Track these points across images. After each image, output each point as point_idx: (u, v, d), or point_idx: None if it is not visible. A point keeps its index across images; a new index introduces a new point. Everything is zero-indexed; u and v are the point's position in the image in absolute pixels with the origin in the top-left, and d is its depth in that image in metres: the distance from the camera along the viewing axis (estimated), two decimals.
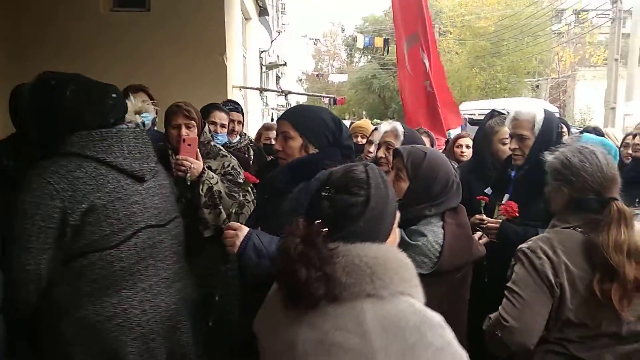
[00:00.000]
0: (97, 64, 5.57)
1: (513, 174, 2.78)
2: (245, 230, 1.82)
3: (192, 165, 2.74)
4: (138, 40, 5.83)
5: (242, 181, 3.01)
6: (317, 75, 41.39)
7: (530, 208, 2.50)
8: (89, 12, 5.92)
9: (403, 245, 1.85)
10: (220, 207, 2.69)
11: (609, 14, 19.02)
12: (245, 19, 9.33)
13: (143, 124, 2.68)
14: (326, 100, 19.02)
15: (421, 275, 1.70)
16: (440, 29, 31.30)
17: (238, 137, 4.20)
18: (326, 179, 1.27)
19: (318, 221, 1.16)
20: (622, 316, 1.71)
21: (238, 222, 2.01)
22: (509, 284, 1.82)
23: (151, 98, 3.62)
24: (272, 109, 16.39)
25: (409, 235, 1.95)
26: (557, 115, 13.90)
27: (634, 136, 3.93)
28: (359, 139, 4.45)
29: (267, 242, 1.80)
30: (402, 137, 2.83)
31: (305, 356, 1.12)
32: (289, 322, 1.16)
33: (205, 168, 2.81)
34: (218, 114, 3.66)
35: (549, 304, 1.77)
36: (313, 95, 25.23)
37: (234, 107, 4.41)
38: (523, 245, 1.87)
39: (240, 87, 7.14)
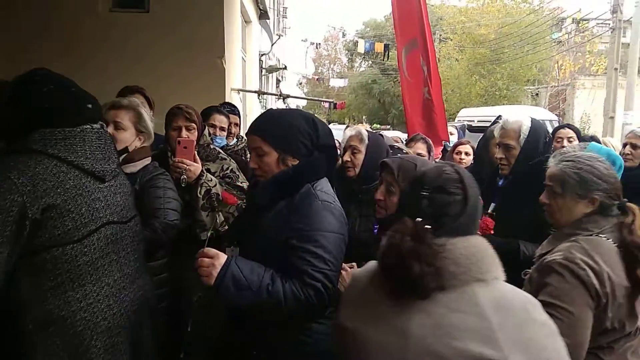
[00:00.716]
0: (96, 64, 5.58)
1: (501, 182, 2.78)
2: (222, 258, 1.71)
3: (188, 168, 2.73)
4: (136, 41, 5.82)
5: (240, 184, 3.00)
6: (318, 79, 41.45)
7: (514, 217, 2.52)
8: (87, 12, 5.92)
9: None
10: (218, 210, 2.65)
11: (609, 24, 19.08)
12: (246, 21, 9.33)
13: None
14: (326, 105, 19.02)
15: None
16: (440, 35, 31.41)
17: (235, 139, 4.19)
18: (420, 180, 1.39)
19: (419, 219, 1.30)
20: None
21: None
22: (548, 299, 1.71)
23: (148, 99, 3.61)
24: None
25: None
26: (558, 122, 13.96)
27: (624, 145, 3.88)
28: None
29: (248, 271, 1.70)
30: (366, 141, 2.89)
31: (423, 339, 1.23)
32: (397, 311, 1.28)
33: (204, 170, 2.80)
34: (218, 117, 3.67)
35: (592, 315, 1.73)
36: (312, 100, 25.25)
37: (231, 109, 4.40)
38: (556, 257, 1.78)
39: (239, 90, 7.12)
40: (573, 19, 25.30)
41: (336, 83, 39.68)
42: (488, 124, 4.79)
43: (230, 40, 6.63)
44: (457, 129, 7.72)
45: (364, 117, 41.40)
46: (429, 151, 4.01)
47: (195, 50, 5.87)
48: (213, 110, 3.73)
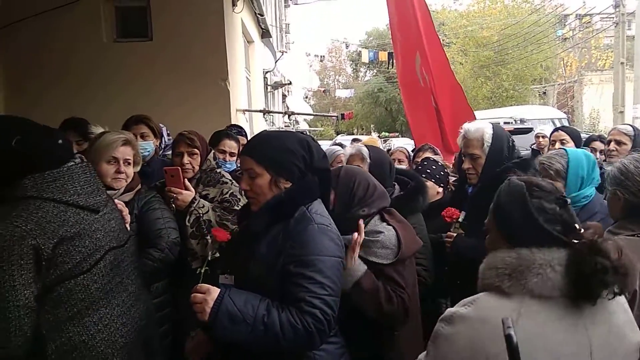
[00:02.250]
0: (100, 94, 5.69)
1: (470, 190, 2.79)
2: (215, 293, 1.67)
3: (176, 196, 2.77)
4: (141, 70, 5.94)
5: (238, 208, 3.01)
6: (324, 91, 41.60)
7: (483, 224, 2.50)
8: (91, 42, 6.06)
9: (365, 243, 2.09)
10: (208, 238, 2.68)
11: (612, 18, 18.98)
12: (248, 42, 9.45)
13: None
14: (336, 116, 19.11)
15: (386, 265, 2.04)
16: (443, 40, 31.39)
17: None
18: (538, 190, 1.47)
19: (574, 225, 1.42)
20: None
21: None
22: None
23: (152, 129, 3.63)
24: (279, 128, 16.50)
25: (367, 235, 2.12)
26: (565, 120, 13.80)
27: (608, 142, 3.82)
28: None
29: (242, 303, 1.65)
30: (368, 160, 2.89)
31: (608, 345, 1.35)
32: (571, 330, 1.33)
33: (196, 197, 2.83)
34: (228, 142, 3.70)
35: None
36: (317, 115, 25.31)
37: (238, 131, 4.46)
38: None
39: (244, 111, 7.20)
40: (576, 15, 25.22)
41: (342, 94, 39.81)
42: None
43: (233, 61, 6.72)
44: None
45: (372, 126, 41.44)
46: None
47: (199, 75, 5.97)
48: (223, 135, 3.76)
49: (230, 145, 3.69)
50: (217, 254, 2.52)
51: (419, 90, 5.45)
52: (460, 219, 2.68)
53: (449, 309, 1.47)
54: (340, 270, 1.80)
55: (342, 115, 18.99)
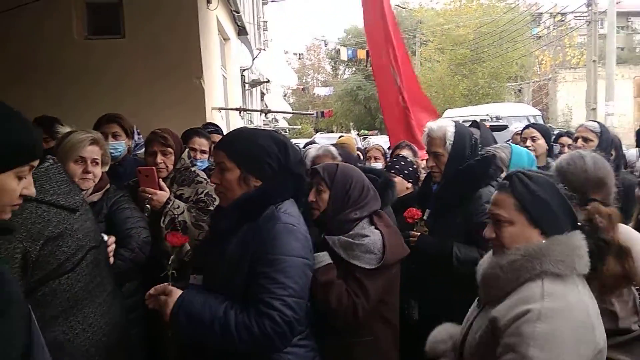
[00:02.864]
0: (69, 91, 5.58)
1: (434, 188, 2.83)
2: (176, 295, 1.71)
3: (151, 197, 2.72)
4: (114, 68, 5.85)
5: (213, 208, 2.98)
6: (303, 89, 41.55)
7: (447, 221, 2.59)
8: (63, 40, 5.93)
9: (349, 246, 2.08)
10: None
11: (585, 16, 19.34)
12: (224, 39, 9.37)
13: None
14: (314, 114, 19.10)
15: (368, 270, 2.03)
16: (420, 39, 31.66)
17: None
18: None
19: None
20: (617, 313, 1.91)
21: None
22: None
23: (124, 128, 3.57)
24: (257, 126, 16.42)
25: (352, 237, 2.10)
26: (540, 117, 14.05)
27: (575, 139, 3.84)
28: None
29: (201, 305, 1.67)
30: (339, 158, 2.89)
31: None
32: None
33: (171, 198, 2.79)
34: (198, 140, 3.64)
35: None
36: (295, 113, 25.22)
37: (215, 129, 4.41)
38: None
39: (220, 109, 7.14)
40: (550, 13, 25.64)
41: (321, 92, 39.83)
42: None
43: (209, 59, 6.66)
44: None
45: (351, 123, 41.52)
46: (415, 157, 4.04)
47: (173, 73, 5.89)
48: (193, 133, 3.71)
49: (201, 142, 3.64)
50: (185, 258, 2.48)
51: (393, 89, 5.49)
52: (425, 217, 2.70)
53: (528, 308, 1.45)
54: (306, 271, 1.77)
55: (322, 113, 19.02)
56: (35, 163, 1.42)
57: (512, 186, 1.59)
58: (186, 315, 1.66)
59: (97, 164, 2.57)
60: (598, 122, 3.91)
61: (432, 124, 2.76)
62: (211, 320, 1.64)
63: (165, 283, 1.80)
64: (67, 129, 3.01)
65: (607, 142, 3.65)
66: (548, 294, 1.47)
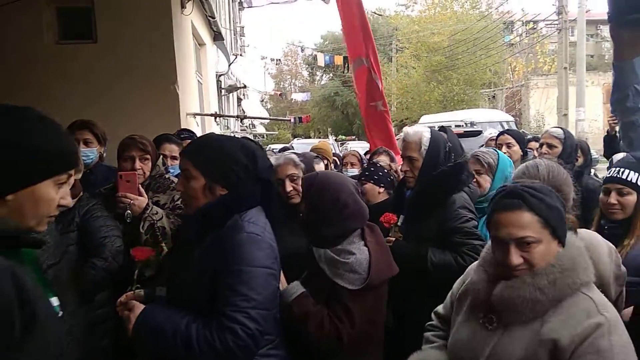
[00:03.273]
0: (44, 97, 5.44)
1: (408, 193, 2.83)
2: (138, 310, 1.68)
3: (132, 202, 2.68)
4: (85, 73, 5.74)
5: None
6: (280, 95, 41.51)
7: (422, 227, 2.60)
8: (33, 44, 5.81)
9: (333, 263, 1.99)
10: (163, 245, 2.61)
11: (556, 24, 19.77)
12: (199, 44, 9.30)
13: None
14: (292, 120, 19.05)
15: (352, 291, 1.93)
16: (397, 45, 31.98)
17: None
18: None
19: None
20: None
21: None
22: None
23: (96, 135, 3.52)
24: (233, 132, 16.31)
25: (337, 254, 2.01)
26: (513, 123, 14.28)
27: (541, 145, 3.90)
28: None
29: (163, 319, 1.65)
30: (301, 165, 2.85)
31: None
32: None
33: (149, 203, 2.75)
34: (168, 146, 3.60)
35: None
36: (271, 119, 25.11)
37: (189, 135, 4.36)
38: None
39: (195, 115, 7.08)
40: (523, 21, 26.19)
41: (299, 97, 39.87)
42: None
43: (183, 64, 6.60)
44: None
45: (329, 129, 41.64)
46: (392, 162, 4.06)
47: (146, 79, 5.81)
48: (163, 139, 3.66)
49: (171, 149, 3.60)
50: (148, 273, 2.45)
51: (377, 93, 5.53)
52: (398, 223, 2.71)
53: (596, 322, 1.44)
54: (270, 282, 1.72)
55: (300, 118, 19.00)
56: (73, 172, 1.36)
57: (528, 203, 1.52)
58: (148, 330, 1.64)
59: None
60: (562, 129, 3.97)
61: (408, 129, 2.80)
62: (173, 335, 1.60)
63: (130, 292, 1.77)
64: None
65: (572, 148, 3.72)
66: (601, 305, 1.48)
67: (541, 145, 3.81)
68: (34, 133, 1.26)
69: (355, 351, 1.99)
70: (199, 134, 7.54)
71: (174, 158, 3.61)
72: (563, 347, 1.43)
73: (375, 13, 34.66)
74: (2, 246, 1.16)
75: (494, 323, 1.59)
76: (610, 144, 4.67)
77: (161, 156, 3.14)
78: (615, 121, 4.46)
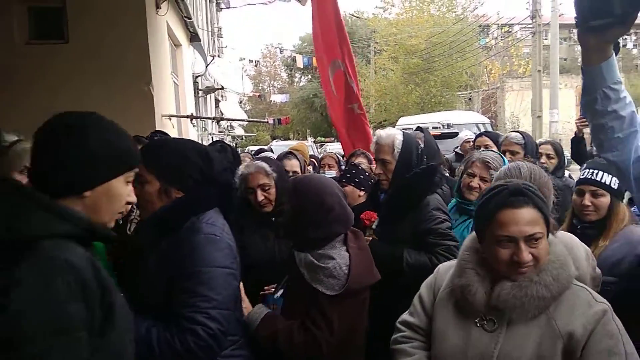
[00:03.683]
0: (13, 99, 5.32)
1: (382, 196, 2.84)
2: None
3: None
4: (56, 73, 5.63)
5: None
6: (259, 96, 41.32)
7: (397, 228, 2.61)
8: (2, 45, 5.66)
9: (312, 268, 1.96)
10: None
11: (530, 28, 20.13)
12: (175, 45, 9.19)
13: None
14: (270, 121, 18.97)
15: (331, 296, 1.90)
16: (375, 48, 32.15)
17: None
18: None
19: None
20: None
21: None
22: None
23: None
24: (211, 134, 16.15)
25: (317, 258, 1.98)
26: (489, 125, 14.47)
27: (503, 153, 3.65)
28: None
29: None
30: (273, 174, 2.79)
31: None
32: None
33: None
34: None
35: None
36: (249, 121, 24.88)
37: (161, 137, 4.29)
38: None
39: (170, 116, 6.98)
40: (498, 25, 26.58)
41: (277, 99, 39.74)
42: None
43: (158, 65, 6.50)
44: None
45: (308, 131, 41.63)
46: (370, 164, 4.04)
47: (120, 79, 5.71)
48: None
49: None
50: None
51: (352, 96, 5.52)
52: (373, 225, 2.71)
53: (601, 309, 1.53)
54: (230, 281, 1.70)
55: (279, 120, 18.91)
56: (137, 169, 1.45)
57: (532, 200, 1.57)
58: None
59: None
60: (520, 133, 3.91)
61: (381, 132, 2.80)
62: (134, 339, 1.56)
63: None
64: (14, 138, 2.90)
65: (532, 151, 3.70)
66: (595, 294, 1.58)
67: (503, 153, 3.66)
68: (107, 133, 1.36)
69: (335, 358, 1.95)
70: (174, 135, 7.45)
71: None
72: (578, 338, 1.49)
73: (353, 15, 34.81)
74: (79, 239, 1.24)
75: (495, 325, 1.59)
76: (578, 146, 4.76)
77: None
78: (585, 124, 4.52)
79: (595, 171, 2.49)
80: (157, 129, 5.44)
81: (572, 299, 1.56)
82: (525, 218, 1.55)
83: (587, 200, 2.49)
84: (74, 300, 1.14)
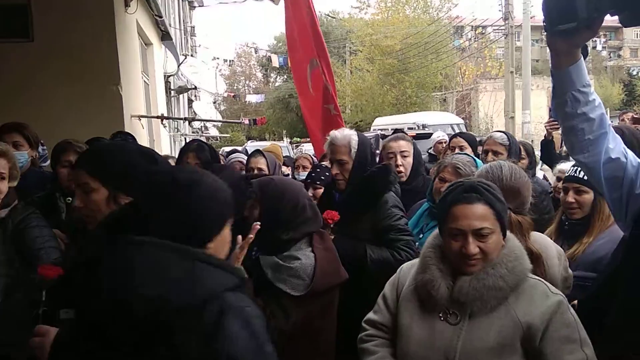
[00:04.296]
0: None
1: (337, 197, 2.86)
2: (52, 335, 1.50)
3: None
4: (20, 73, 5.42)
5: None
6: (234, 97, 41.01)
7: (356, 227, 2.66)
8: None
9: (276, 267, 1.95)
10: None
11: (503, 30, 20.45)
12: (146, 44, 9.00)
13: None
14: (246, 121, 18.82)
15: (296, 297, 1.88)
16: (350, 48, 32.25)
17: None
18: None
19: None
20: None
21: None
22: None
23: (27, 138, 3.34)
24: (183, 135, 15.92)
25: (282, 258, 1.97)
26: (463, 126, 14.65)
27: (486, 152, 3.59)
28: None
29: None
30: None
31: None
32: None
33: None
34: None
35: None
36: (223, 122, 24.64)
37: (123, 138, 4.16)
38: None
39: (140, 117, 6.82)
40: (472, 26, 26.95)
41: (253, 99, 39.49)
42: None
43: (127, 65, 6.34)
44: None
45: (283, 131, 41.51)
46: None
47: (87, 79, 5.53)
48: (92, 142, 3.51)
49: None
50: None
51: (328, 97, 5.47)
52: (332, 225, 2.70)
53: (557, 300, 1.64)
54: None
55: (254, 120, 18.76)
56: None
57: (484, 197, 1.66)
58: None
59: (2, 178, 2.36)
60: (505, 133, 3.80)
61: (336, 133, 2.83)
62: None
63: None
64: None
65: (516, 153, 3.66)
66: (550, 286, 1.70)
67: (486, 152, 3.61)
68: (218, 181, 1.40)
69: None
70: (145, 136, 7.29)
71: None
72: (536, 327, 1.59)
73: (329, 15, 34.85)
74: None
75: (458, 318, 1.67)
76: (547, 148, 4.80)
77: None
78: (555, 126, 4.57)
79: (579, 168, 2.49)
80: (125, 130, 5.29)
81: (530, 291, 1.65)
82: (476, 213, 1.64)
83: (571, 197, 2.52)
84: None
